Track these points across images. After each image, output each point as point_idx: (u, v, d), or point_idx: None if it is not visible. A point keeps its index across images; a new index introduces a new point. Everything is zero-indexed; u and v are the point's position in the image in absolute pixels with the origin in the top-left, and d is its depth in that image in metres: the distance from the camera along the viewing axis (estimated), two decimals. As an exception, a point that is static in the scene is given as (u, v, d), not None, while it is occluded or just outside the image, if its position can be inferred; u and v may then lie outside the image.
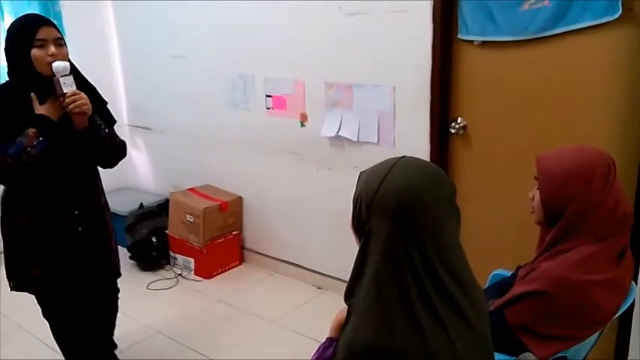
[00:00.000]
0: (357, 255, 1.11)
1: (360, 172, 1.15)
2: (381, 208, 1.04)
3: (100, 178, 2.26)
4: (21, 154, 1.88)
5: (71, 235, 2.11)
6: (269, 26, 3.09)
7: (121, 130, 4.10)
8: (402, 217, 1.02)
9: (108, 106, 2.23)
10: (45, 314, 2.28)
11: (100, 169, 2.26)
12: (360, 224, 1.10)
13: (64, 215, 2.08)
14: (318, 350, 1.27)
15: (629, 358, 2.31)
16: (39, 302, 2.23)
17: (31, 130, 1.91)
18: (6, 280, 2.17)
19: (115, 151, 2.19)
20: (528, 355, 1.30)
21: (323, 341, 1.30)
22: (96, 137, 2.04)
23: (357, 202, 1.11)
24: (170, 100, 3.80)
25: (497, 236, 2.53)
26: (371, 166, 1.14)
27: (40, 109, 1.94)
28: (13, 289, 2.17)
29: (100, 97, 2.18)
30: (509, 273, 1.89)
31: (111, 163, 2.23)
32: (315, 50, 2.94)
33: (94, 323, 2.38)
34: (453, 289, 1.03)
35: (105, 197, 2.29)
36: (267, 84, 3.20)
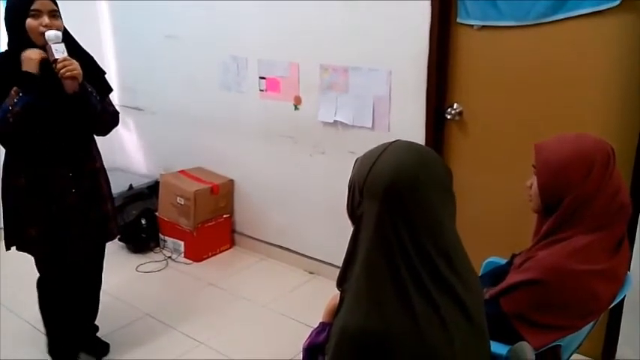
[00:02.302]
0: (350, 239, 1.10)
1: (357, 158, 1.14)
2: (372, 190, 1.04)
3: (95, 143, 2.30)
4: (6, 115, 1.95)
5: (65, 197, 2.17)
6: (263, 7, 3.02)
7: (111, 110, 4.07)
8: (392, 199, 1.01)
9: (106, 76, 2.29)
10: (40, 279, 2.32)
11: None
12: (354, 209, 1.10)
13: (58, 177, 2.15)
14: (310, 335, 1.26)
15: (617, 349, 2.32)
16: (36, 264, 2.27)
17: (13, 89, 1.96)
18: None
19: (106, 118, 2.24)
20: (524, 344, 1.29)
21: (316, 326, 1.29)
22: (86, 102, 2.09)
23: (350, 186, 1.11)
24: (162, 81, 3.73)
25: (492, 223, 2.52)
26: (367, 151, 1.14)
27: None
28: (16, 249, 2.23)
29: (98, 67, 2.25)
30: (503, 261, 1.88)
31: (102, 130, 2.29)
32: (310, 32, 2.88)
33: (80, 290, 2.43)
34: (445, 272, 1.02)
35: (101, 162, 2.33)
36: (260, 66, 3.15)
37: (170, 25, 3.54)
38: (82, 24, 3.78)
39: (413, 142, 1.12)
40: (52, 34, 1.95)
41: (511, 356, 1.30)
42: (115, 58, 4.01)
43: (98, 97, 2.14)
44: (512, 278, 1.47)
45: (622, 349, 2.31)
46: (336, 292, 1.22)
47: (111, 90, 2.31)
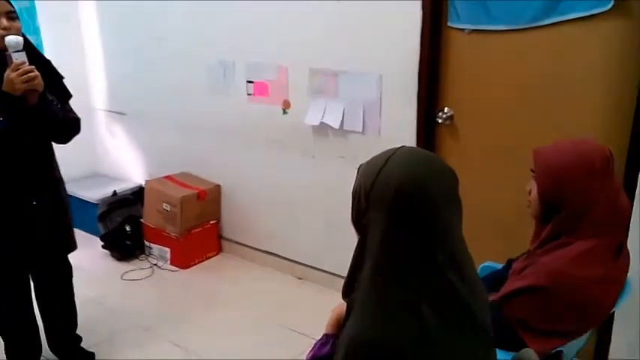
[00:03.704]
0: (356, 248, 1.08)
1: (360, 165, 1.12)
2: (379, 198, 1.01)
3: (53, 153, 2.22)
4: None
5: (26, 210, 2.09)
6: (251, 9, 2.98)
7: (95, 115, 3.99)
8: (400, 207, 0.99)
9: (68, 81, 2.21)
10: None
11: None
12: (359, 217, 1.06)
13: (18, 190, 2.06)
14: (314, 347, 1.23)
15: (610, 349, 2.33)
16: None
17: None
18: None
19: (67, 128, 2.15)
20: (529, 351, 1.27)
21: (319, 338, 1.25)
22: (46, 113, 2.00)
23: (355, 194, 1.08)
24: (147, 85, 3.66)
25: (484, 228, 2.51)
26: (364, 156, 1.12)
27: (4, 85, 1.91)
28: None
29: (56, 72, 2.15)
30: (499, 266, 1.87)
31: (63, 139, 2.19)
32: (299, 35, 2.85)
33: (47, 304, 2.37)
34: (455, 281, 1.00)
35: (59, 171, 2.25)
36: (248, 69, 3.11)
37: (155, 28, 3.47)
38: (62, 24, 3.75)
39: (419, 149, 1.10)
40: (12, 41, 1.85)
41: (516, 363, 1.29)
42: (98, 61, 3.92)
43: (59, 106, 2.05)
44: (514, 284, 1.45)
45: (614, 350, 2.32)
46: (339, 302, 1.19)
47: (70, 96, 2.20)
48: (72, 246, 2.35)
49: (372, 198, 1.02)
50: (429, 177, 1.02)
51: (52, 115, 2.02)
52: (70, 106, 2.19)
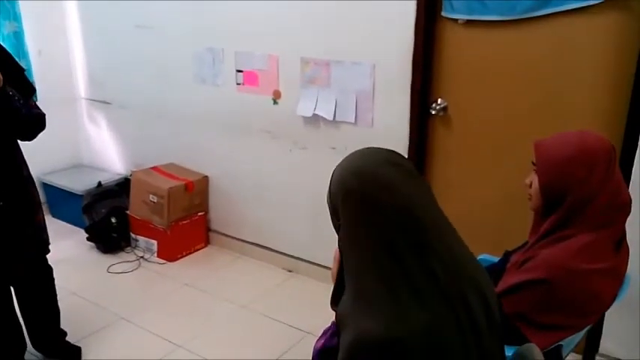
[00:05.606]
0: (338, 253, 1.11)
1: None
2: (335, 205, 1.07)
3: (19, 150, 2.13)
4: None
5: None
6: (241, -3, 2.92)
7: (79, 104, 3.89)
8: (348, 203, 1.04)
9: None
10: None
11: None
12: (334, 221, 1.11)
13: None
14: (324, 334, 1.18)
15: (601, 343, 2.34)
16: None
17: None
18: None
19: (31, 123, 2.05)
20: (532, 345, 1.25)
21: (328, 326, 1.21)
22: (7, 108, 1.91)
23: (327, 202, 1.13)
24: (132, 74, 3.57)
25: (478, 220, 2.50)
26: (356, 147, 1.17)
27: None
28: None
29: (16, 65, 2.06)
30: (495, 258, 1.86)
31: (28, 136, 2.10)
32: (291, 23, 2.80)
33: (28, 308, 2.30)
34: (416, 265, 0.98)
35: (27, 169, 2.16)
36: (238, 58, 3.04)
37: (140, 14, 3.39)
38: (45, 11, 3.64)
39: (363, 148, 1.14)
40: None
41: (518, 358, 1.27)
42: (81, 49, 3.82)
43: (21, 101, 1.96)
44: (515, 277, 1.43)
45: (605, 344, 2.33)
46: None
47: (34, 91, 2.12)
48: (47, 245, 2.26)
49: (333, 207, 1.09)
50: (361, 164, 1.07)
51: (14, 110, 1.93)
52: (33, 101, 2.10)
